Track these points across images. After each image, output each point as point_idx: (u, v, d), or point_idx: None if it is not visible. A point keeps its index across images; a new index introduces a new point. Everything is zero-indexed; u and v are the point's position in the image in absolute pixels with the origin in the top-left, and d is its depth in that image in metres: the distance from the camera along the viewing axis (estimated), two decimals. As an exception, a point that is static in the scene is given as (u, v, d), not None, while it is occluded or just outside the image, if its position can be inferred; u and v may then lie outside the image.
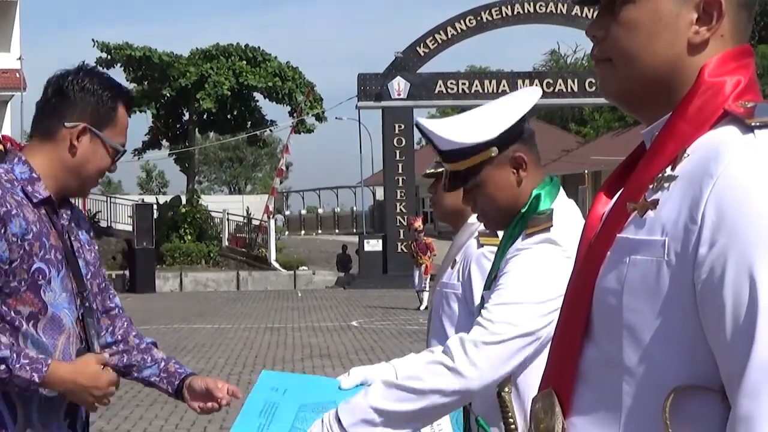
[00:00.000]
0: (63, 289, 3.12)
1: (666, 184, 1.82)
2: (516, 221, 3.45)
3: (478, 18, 36.05)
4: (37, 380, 2.93)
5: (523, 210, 3.44)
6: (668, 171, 1.83)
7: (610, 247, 1.88)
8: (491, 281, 3.44)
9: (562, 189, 3.49)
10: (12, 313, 3.01)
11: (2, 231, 2.98)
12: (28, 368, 2.93)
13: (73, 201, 3.52)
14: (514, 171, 3.23)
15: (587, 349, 1.91)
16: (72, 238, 3.29)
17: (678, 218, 1.75)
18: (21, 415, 3.08)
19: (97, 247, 3.53)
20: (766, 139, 1.76)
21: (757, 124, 1.77)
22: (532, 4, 35.71)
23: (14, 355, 2.93)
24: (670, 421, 1.74)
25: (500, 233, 4.43)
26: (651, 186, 1.84)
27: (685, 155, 1.81)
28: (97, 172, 3.29)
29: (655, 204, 1.81)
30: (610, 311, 1.84)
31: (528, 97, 3.30)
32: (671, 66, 1.88)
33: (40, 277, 3.05)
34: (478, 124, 3.23)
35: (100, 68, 3.62)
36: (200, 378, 3.49)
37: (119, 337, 3.49)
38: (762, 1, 58.39)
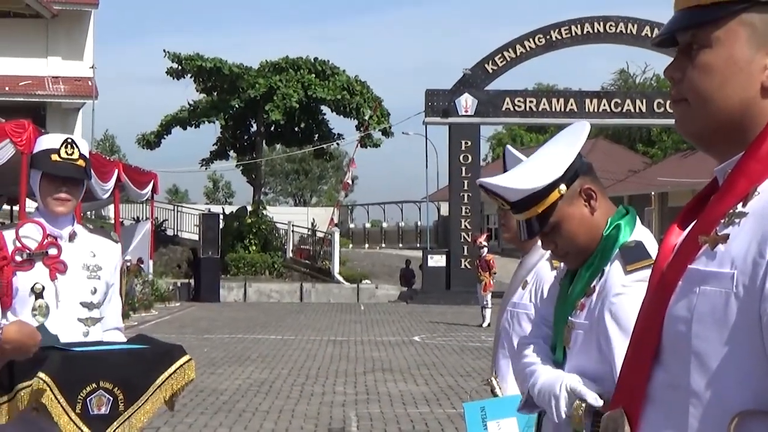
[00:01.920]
0: None
1: (737, 220, 1.87)
2: (597, 251, 3.45)
3: (548, 36, 35.95)
4: None
5: (605, 234, 3.45)
6: (739, 207, 1.88)
7: (681, 277, 1.93)
8: (573, 302, 3.46)
9: (638, 220, 3.55)
10: None
11: None
12: None
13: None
14: (586, 203, 3.30)
15: (656, 372, 1.96)
16: None
17: (747, 253, 1.81)
18: None
19: None
20: None
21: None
22: (601, 23, 35.60)
23: None
24: None
25: None
26: (722, 221, 1.90)
27: (756, 193, 1.87)
28: None
29: (725, 238, 1.87)
30: (680, 338, 1.90)
31: (579, 132, 3.37)
32: (744, 108, 1.95)
33: None
34: (540, 168, 3.30)
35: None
36: None
37: None
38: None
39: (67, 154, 4.75)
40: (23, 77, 45.64)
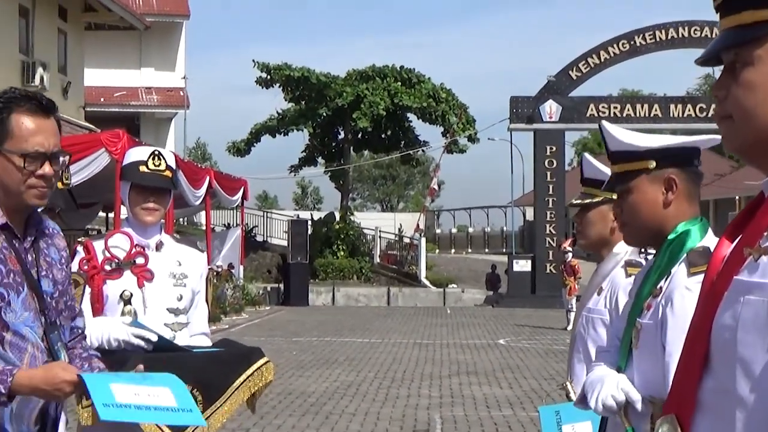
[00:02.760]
0: (25, 309, 3.16)
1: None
2: (664, 251, 3.48)
3: (632, 42, 35.67)
4: (3, 390, 2.94)
5: (671, 237, 3.47)
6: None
7: (728, 287, 1.99)
8: (641, 304, 3.50)
9: (710, 230, 3.59)
10: None
11: None
12: None
13: (45, 217, 3.51)
14: (664, 191, 3.33)
15: (706, 379, 2.02)
16: (40, 259, 3.31)
17: None
18: None
19: (70, 264, 3.57)
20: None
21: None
22: (686, 28, 35.22)
23: None
24: None
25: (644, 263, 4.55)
26: (766, 234, 1.96)
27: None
28: (18, 184, 3.19)
29: None
30: (726, 345, 1.95)
31: (705, 137, 3.45)
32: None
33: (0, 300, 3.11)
34: (648, 137, 3.42)
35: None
36: None
37: (69, 349, 3.39)
38: None
39: (155, 165, 4.86)
40: (118, 88, 46.35)
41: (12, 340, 3.08)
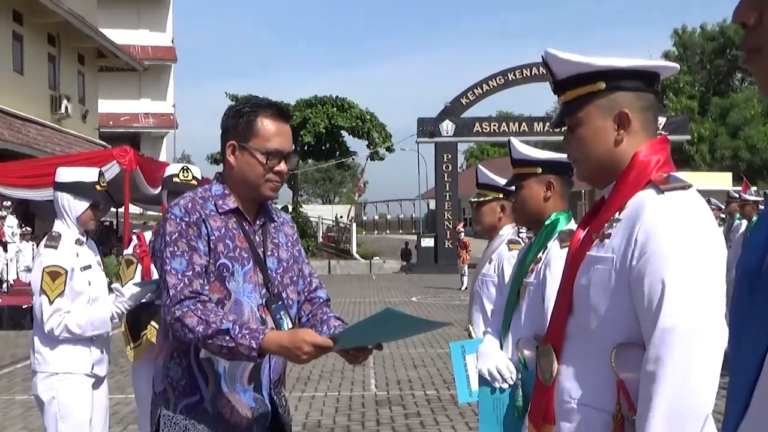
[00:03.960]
0: (247, 281, 2.83)
1: (615, 224, 2.09)
2: (542, 232, 3.57)
3: (506, 77, 35.84)
4: (254, 346, 2.63)
5: (547, 223, 3.57)
6: (616, 215, 2.10)
7: (582, 259, 2.15)
8: (525, 269, 3.60)
9: (572, 219, 3.65)
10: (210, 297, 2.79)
11: (200, 232, 2.80)
12: (248, 337, 2.64)
13: (277, 209, 3.19)
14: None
15: (570, 320, 2.17)
16: (267, 240, 2.98)
17: (621, 244, 2.04)
18: (212, 382, 2.81)
19: (299, 247, 3.16)
20: (671, 198, 2.03)
21: (667, 188, 2.04)
22: (543, 68, 35.50)
23: (236, 327, 2.65)
24: (615, 364, 2.03)
25: (524, 239, 4.67)
26: (606, 224, 2.12)
27: (626, 206, 2.08)
28: (258, 177, 2.89)
29: (609, 235, 2.09)
30: (583, 298, 2.11)
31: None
32: (611, 155, 2.18)
33: (224, 270, 2.80)
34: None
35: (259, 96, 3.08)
36: None
37: (311, 316, 3.07)
38: (712, 60, 57.20)
39: (184, 176, 4.94)
40: (122, 114, 45.75)
41: (232, 306, 2.80)
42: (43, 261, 4.41)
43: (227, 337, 2.62)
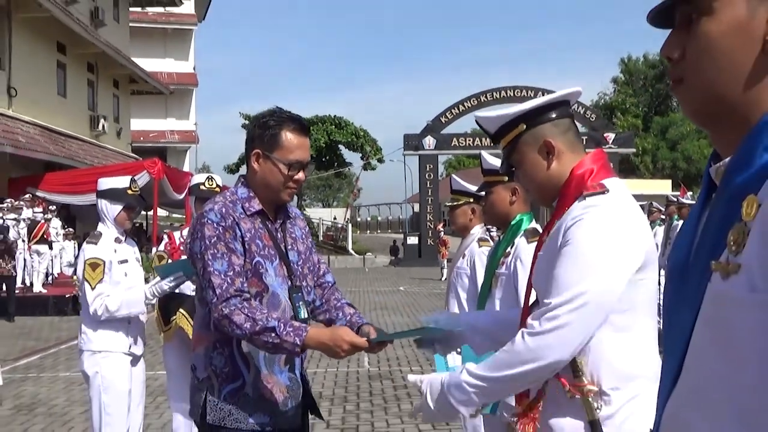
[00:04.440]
0: (276, 275, 2.77)
1: (558, 223, 2.13)
2: (509, 231, 3.57)
3: (479, 99, 35.79)
4: (298, 343, 2.56)
5: (513, 223, 3.57)
6: (556, 224, 2.14)
7: (539, 254, 2.21)
8: (496, 262, 3.59)
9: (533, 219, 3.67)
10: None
11: (235, 234, 2.72)
12: (292, 334, 2.57)
13: (290, 205, 3.05)
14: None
15: (534, 304, 2.19)
16: (287, 236, 2.90)
17: (557, 237, 2.08)
18: (252, 367, 2.76)
19: (310, 239, 3.07)
20: (589, 200, 2.07)
21: (588, 193, 2.08)
22: (511, 91, 35.49)
23: (281, 324, 2.58)
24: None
25: (494, 238, 4.66)
26: (555, 225, 2.15)
27: (567, 212, 2.11)
28: (279, 184, 2.78)
29: (549, 236, 2.15)
30: (540, 284, 2.14)
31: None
32: (548, 178, 2.21)
33: (260, 267, 2.74)
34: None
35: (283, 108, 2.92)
36: (369, 326, 2.85)
37: (324, 302, 3.00)
38: (654, 84, 57.33)
39: (209, 185, 4.93)
40: (151, 131, 45.58)
41: (270, 299, 2.74)
42: (85, 254, 4.47)
43: (273, 334, 2.56)
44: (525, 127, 2.24)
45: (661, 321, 3.26)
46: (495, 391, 2.02)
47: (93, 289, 4.42)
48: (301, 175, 2.79)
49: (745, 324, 0.94)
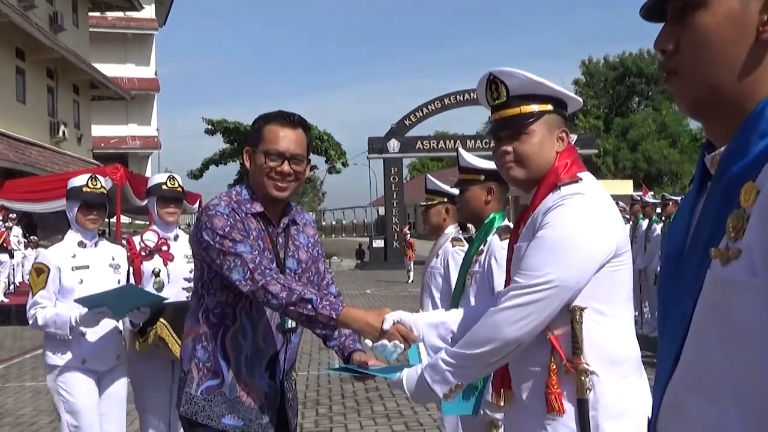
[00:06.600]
0: None
1: (533, 214, 2.18)
2: (482, 229, 3.59)
3: (442, 102, 35.92)
4: (334, 317, 2.50)
5: (486, 222, 3.60)
6: (535, 211, 2.19)
7: (515, 245, 2.24)
8: (470, 260, 3.63)
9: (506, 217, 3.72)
10: None
11: (245, 228, 2.69)
12: (328, 308, 2.50)
13: (302, 211, 2.99)
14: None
15: None
16: (290, 242, 2.84)
17: (533, 226, 2.14)
18: (233, 367, 2.71)
19: (318, 248, 2.96)
20: (563, 190, 2.15)
21: (562, 183, 2.16)
22: (474, 93, 35.51)
23: (317, 298, 2.51)
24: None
25: (466, 239, 4.68)
26: (531, 217, 2.21)
27: (542, 204, 2.17)
28: (262, 177, 2.75)
29: (527, 226, 2.20)
30: (517, 267, 2.16)
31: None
32: (549, 161, 2.26)
33: None
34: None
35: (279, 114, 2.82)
36: (360, 354, 2.87)
37: None
38: (614, 86, 58.01)
39: (171, 184, 4.70)
40: (112, 137, 45.07)
41: (257, 304, 2.68)
42: (36, 259, 4.32)
43: (309, 306, 2.50)
44: (552, 108, 2.26)
45: (656, 310, 3.29)
46: (466, 369, 2.07)
47: (33, 295, 4.25)
48: (284, 167, 2.73)
49: (746, 308, 0.96)
